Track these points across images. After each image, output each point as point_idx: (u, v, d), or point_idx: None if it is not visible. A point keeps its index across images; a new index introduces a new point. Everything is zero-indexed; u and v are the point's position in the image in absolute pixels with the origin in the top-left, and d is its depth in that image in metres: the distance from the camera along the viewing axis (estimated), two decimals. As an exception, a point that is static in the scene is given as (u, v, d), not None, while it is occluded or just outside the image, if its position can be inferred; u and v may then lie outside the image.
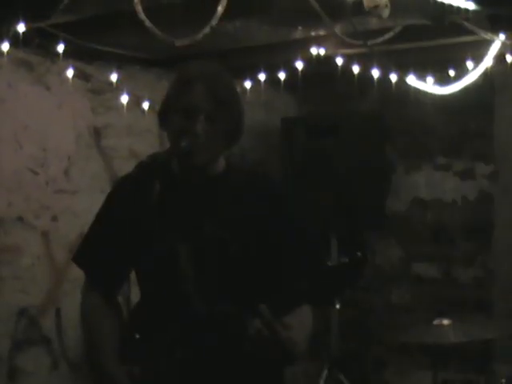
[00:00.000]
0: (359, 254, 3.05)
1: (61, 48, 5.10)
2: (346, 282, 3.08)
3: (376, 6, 4.07)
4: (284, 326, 3.05)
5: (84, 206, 5.55)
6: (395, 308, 6.97)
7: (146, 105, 5.95)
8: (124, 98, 5.79)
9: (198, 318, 3.23)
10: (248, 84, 6.01)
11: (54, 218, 5.77)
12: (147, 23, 3.68)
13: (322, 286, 3.11)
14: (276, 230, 3.38)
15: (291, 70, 5.75)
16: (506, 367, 4.72)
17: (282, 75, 5.88)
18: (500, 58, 5.45)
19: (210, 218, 3.33)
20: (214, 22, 3.66)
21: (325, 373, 6.48)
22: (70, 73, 5.59)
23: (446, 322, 5.23)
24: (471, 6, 4.41)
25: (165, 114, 3.33)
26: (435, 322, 5.23)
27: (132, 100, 5.85)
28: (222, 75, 3.34)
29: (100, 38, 5.26)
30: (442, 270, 6.87)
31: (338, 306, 6.19)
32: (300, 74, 5.72)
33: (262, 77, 6.00)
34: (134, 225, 3.37)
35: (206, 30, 3.72)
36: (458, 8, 4.42)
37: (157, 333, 3.29)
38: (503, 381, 4.59)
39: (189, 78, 3.29)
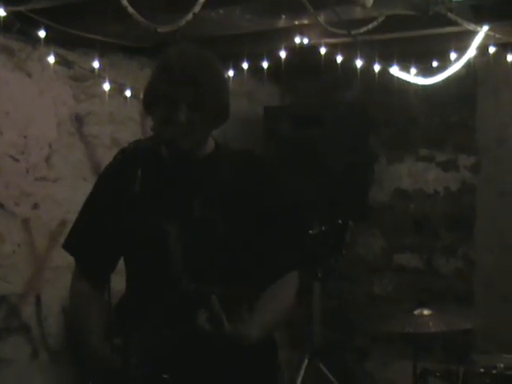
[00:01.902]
0: (341, 221, 3.08)
1: (42, 34, 5.08)
2: (330, 249, 3.10)
3: None
4: (234, 318, 3.09)
5: (65, 194, 5.55)
6: (377, 298, 7.00)
7: (128, 93, 5.96)
8: (106, 86, 5.80)
9: (184, 295, 3.25)
10: (231, 73, 5.99)
11: (35, 206, 5.75)
12: (129, 9, 3.68)
13: (307, 253, 3.14)
14: (266, 205, 3.38)
15: (275, 60, 5.77)
16: (485, 357, 4.73)
17: (265, 64, 5.89)
18: (483, 49, 5.50)
19: (199, 199, 3.34)
20: (196, 9, 3.68)
21: (305, 362, 6.51)
22: (51, 59, 5.57)
23: (426, 311, 5.25)
24: None
25: (148, 101, 3.33)
26: (416, 311, 5.25)
27: (114, 88, 5.87)
28: (206, 59, 3.31)
29: (82, 24, 5.24)
30: (423, 260, 6.90)
31: (319, 275, 6.20)
32: (283, 63, 5.72)
33: (245, 66, 5.98)
34: (121, 211, 3.38)
35: (189, 16, 3.74)
36: None
37: (143, 312, 3.31)
38: (482, 370, 4.59)
39: (170, 63, 3.27)
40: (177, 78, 3.21)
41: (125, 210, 3.36)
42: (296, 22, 5.10)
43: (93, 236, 3.50)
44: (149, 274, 3.41)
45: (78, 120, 5.99)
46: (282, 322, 3.47)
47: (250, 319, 3.16)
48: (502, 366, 4.57)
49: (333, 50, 5.71)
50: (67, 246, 3.60)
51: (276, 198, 3.45)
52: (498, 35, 5.28)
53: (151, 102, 3.31)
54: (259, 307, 3.21)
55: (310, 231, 3.51)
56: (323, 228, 3.11)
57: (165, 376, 3.28)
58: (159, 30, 3.85)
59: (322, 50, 5.65)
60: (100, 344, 3.34)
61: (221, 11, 4.61)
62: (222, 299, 3.10)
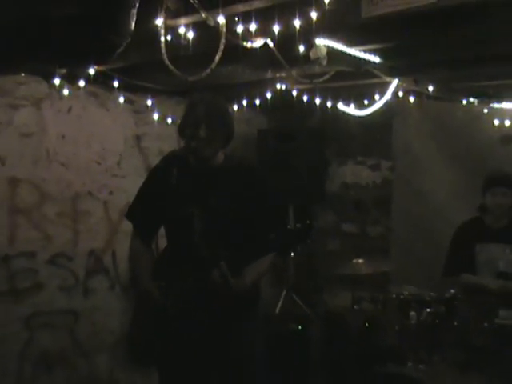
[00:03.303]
0: (308, 222, 3.13)
1: (116, 84, 5.12)
2: (300, 240, 3.15)
3: (318, 58, 4.05)
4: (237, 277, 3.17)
5: (129, 185, 5.43)
6: (330, 253, 6.99)
7: (169, 120, 5.95)
8: (155, 116, 5.83)
9: (203, 257, 3.28)
10: (235, 107, 6.03)
11: (111, 193, 5.80)
12: (170, 66, 3.69)
13: (284, 242, 3.19)
14: (258, 202, 3.42)
15: (264, 98, 5.75)
16: (396, 288, 4.76)
17: (257, 101, 5.88)
18: (396, 93, 5.50)
19: (213, 193, 3.37)
20: (212, 65, 3.65)
21: (283, 294, 6.60)
22: (121, 99, 5.63)
23: (360, 260, 5.34)
24: (377, 60, 4.42)
25: (182, 127, 3.37)
26: (354, 260, 5.33)
27: (161, 117, 5.87)
28: (217, 98, 3.42)
29: (141, 76, 5.25)
30: (359, 228, 6.91)
31: (292, 255, 6.25)
32: (269, 100, 5.73)
33: (244, 102, 6.01)
34: (163, 196, 3.42)
35: (208, 71, 3.72)
36: (369, 60, 4.43)
37: (176, 266, 3.35)
38: (394, 296, 4.58)
39: (195, 102, 3.35)
40: (199, 111, 3.28)
41: (165, 195, 3.39)
42: (278, 75, 5.06)
43: (144, 210, 3.53)
44: (179, 240, 3.43)
45: (138, 138, 6.03)
46: (264, 276, 3.47)
47: (245, 276, 3.25)
48: (406, 293, 4.63)
49: (301, 92, 5.72)
50: (128, 216, 3.65)
51: (264, 198, 3.47)
52: (404, 85, 5.31)
53: (183, 126, 3.35)
54: (250, 269, 3.27)
55: (288, 226, 3.48)
56: (297, 225, 3.15)
57: (161, 284, 3.33)
58: (189, 79, 3.82)
59: (294, 92, 5.69)
60: (148, 284, 3.38)
61: (229, 67, 4.56)
62: (227, 261, 3.16)
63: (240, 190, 3.39)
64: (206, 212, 3.32)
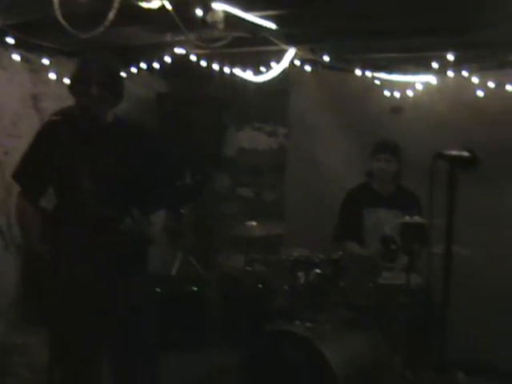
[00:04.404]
0: (198, 177, 3.14)
1: (11, 41, 4.99)
2: (190, 196, 3.15)
3: (215, 22, 4.06)
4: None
5: (25, 145, 5.34)
6: (226, 216, 7.03)
7: (67, 80, 5.77)
8: (53, 76, 5.70)
9: (92, 216, 3.22)
10: (134, 69, 5.92)
11: (6, 153, 5.66)
12: (62, 22, 3.59)
13: (176, 198, 3.19)
14: (150, 161, 3.39)
15: (163, 62, 5.69)
16: (287, 250, 4.76)
17: (156, 65, 5.82)
18: (293, 61, 5.54)
19: (102, 152, 3.31)
20: (106, 23, 3.55)
21: (180, 256, 6.64)
22: (17, 58, 5.45)
23: (254, 223, 5.39)
24: (274, 26, 4.45)
25: (72, 84, 3.29)
26: (247, 223, 5.39)
27: (59, 77, 5.71)
28: (109, 57, 3.35)
29: (38, 34, 5.13)
30: (255, 192, 6.99)
31: (183, 211, 6.27)
32: (168, 65, 5.69)
33: (143, 65, 5.91)
34: (50, 155, 3.31)
35: (101, 28, 3.62)
36: (266, 27, 4.46)
37: (65, 226, 3.30)
38: (284, 257, 4.60)
39: (87, 59, 3.29)
40: (91, 69, 3.21)
41: (52, 154, 3.29)
42: (176, 38, 5.05)
43: (30, 170, 3.42)
44: (68, 200, 3.35)
45: (35, 98, 5.90)
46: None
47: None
48: (296, 254, 4.68)
49: (200, 57, 5.69)
50: (14, 176, 3.50)
51: (155, 157, 3.44)
52: (300, 53, 5.36)
53: (75, 83, 3.28)
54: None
55: (178, 183, 3.49)
56: (187, 182, 3.15)
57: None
58: (82, 36, 3.73)
59: (193, 57, 5.66)
60: (35, 244, 3.33)
61: (127, 28, 4.52)
62: (119, 219, 3.15)
63: (130, 149, 3.34)
64: (95, 171, 3.25)
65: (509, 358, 5.49)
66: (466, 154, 2.55)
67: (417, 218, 4.37)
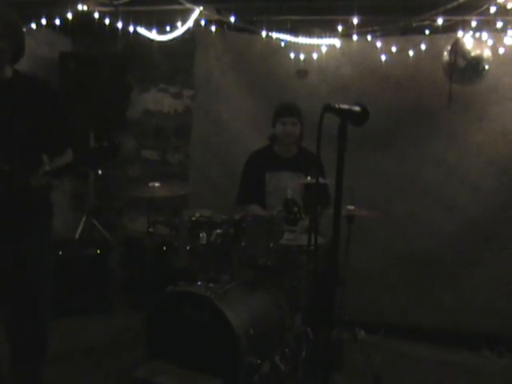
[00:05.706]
0: (105, 143, 3.03)
1: None
2: (106, 157, 3.05)
3: None
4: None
5: None
6: (130, 179, 6.94)
7: None
8: None
9: None
10: (33, 25, 5.63)
11: None
12: None
13: (84, 160, 3.09)
14: (53, 118, 3.25)
15: (65, 19, 5.50)
16: (193, 211, 4.72)
17: (58, 22, 5.58)
18: (198, 22, 5.47)
19: (4, 108, 3.16)
20: None
21: (83, 219, 6.51)
22: None
23: (157, 184, 5.27)
24: None
25: None
26: (150, 184, 5.28)
27: None
28: (6, 10, 3.16)
29: None
30: (160, 155, 6.90)
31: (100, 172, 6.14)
32: (71, 22, 5.49)
33: (43, 22, 5.62)
34: None
35: None
36: None
37: None
38: (186, 218, 4.44)
39: None
40: None
41: None
42: None
43: None
44: None
45: None
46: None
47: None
48: (198, 215, 4.56)
49: (103, 15, 5.50)
50: None
51: (57, 112, 3.30)
52: (206, 13, 5.31)
53: None
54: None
55: (90, 146, 3.41)
56: (104, 144, 3.04)
57: None
58: None
59: (96, 15, 5.48)
60: None
61: None
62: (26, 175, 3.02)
63: (31, 104, 3.20)
64: None
65: (405, 316, 5.63)
66: (356, 108, 2.51)
67: (319, 180, 4.37)
